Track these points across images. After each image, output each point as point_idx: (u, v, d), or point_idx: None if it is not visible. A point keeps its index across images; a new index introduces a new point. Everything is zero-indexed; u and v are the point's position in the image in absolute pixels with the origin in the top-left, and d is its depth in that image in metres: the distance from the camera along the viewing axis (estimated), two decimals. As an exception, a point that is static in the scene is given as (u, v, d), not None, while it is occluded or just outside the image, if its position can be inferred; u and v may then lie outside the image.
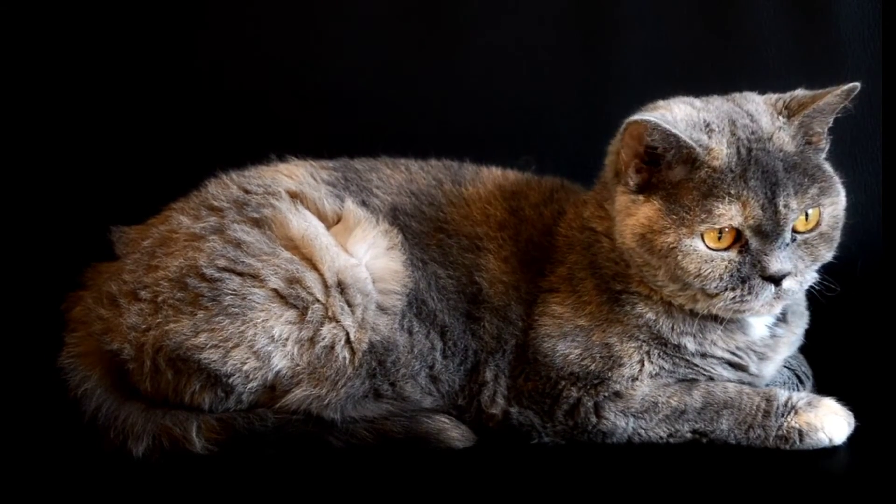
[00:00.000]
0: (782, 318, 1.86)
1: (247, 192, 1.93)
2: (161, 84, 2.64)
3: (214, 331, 1.78)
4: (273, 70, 2.65)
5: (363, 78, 2.64)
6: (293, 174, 1.98)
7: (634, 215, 1.76)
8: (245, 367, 1.79)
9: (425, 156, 2.08)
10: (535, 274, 1.90)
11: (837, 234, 1.77)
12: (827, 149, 1.80)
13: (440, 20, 2.64)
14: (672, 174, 1.73)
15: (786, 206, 1.69)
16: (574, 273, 1.87)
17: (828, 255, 1.76)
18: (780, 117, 1.76)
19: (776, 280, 1.71)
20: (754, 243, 1.70)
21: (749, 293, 1.72)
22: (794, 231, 1.72)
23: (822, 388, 1.95)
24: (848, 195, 1.79)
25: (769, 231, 1.69)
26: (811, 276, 1.76)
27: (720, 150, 1.71)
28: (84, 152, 2.63)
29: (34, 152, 2.63)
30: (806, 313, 1.94)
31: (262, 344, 1.78)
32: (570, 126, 1.93)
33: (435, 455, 1.82)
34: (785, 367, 1.95)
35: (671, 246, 1.72)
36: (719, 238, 1.71)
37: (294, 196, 1.92)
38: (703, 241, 1.72)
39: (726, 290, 1.73)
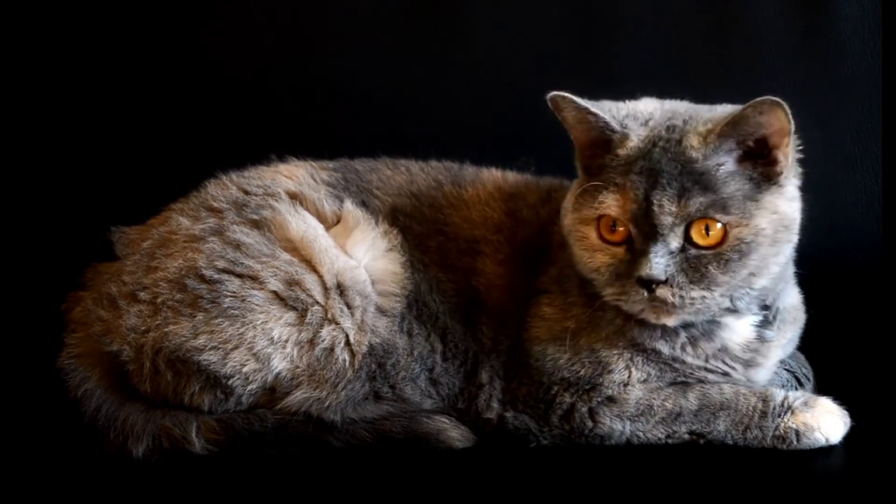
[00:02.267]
0: (769, 321, 1.83)
1: (246, 193, 1.93)
2: (161, 84, 2.64)
3: (214, 332, 1.79)
4: (273, 70, 2.65)
5: (363, 78, 2.64)
6: (293, 175, 1.98)
7: (566, 200, 1.81)
8: (245, 369, 1.79)
9: (425, 156, 2.08)
10: (530, 274, 1.90)
11: (745, 261, 1.68)
12: (788, 172, 1.72)
13: (440, 20, 2.63)
14: (598, 162, 1.76)
15: (660, 205, 1.66)
16: (563, 272, 1.87)
17: (722, 278, 1.68)
18: (706, 127, 1.71)
19: (647, 285, 1.68)
20: (638, 242, 1.70)
21: (623, 293, 1.71)
22: (692, 243, 1.68)
23: (819, 388, 1.95)
24: (848, 195, 1.78)
25: (647, 230, 1.68)
26: (698, 295, 1.68)
27: (631, 140, 1.72)
28: (84, 152, 2.63)
29: (34, 152, 2.63)
30: (801, 318, 1.94)
31: (262, 346, 1.79)
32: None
33: (435, 455, 1.82)
34: (785, 368, 1.95)
35: (569, 228, 1.78)
36: (612, 230, 1.72)
37: (294, 197, 1.92)
38: (599, 231, 1.73)
39: (606, 285, 1.73)
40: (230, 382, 1.80)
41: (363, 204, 1.95)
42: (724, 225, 1.67)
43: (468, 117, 2.61)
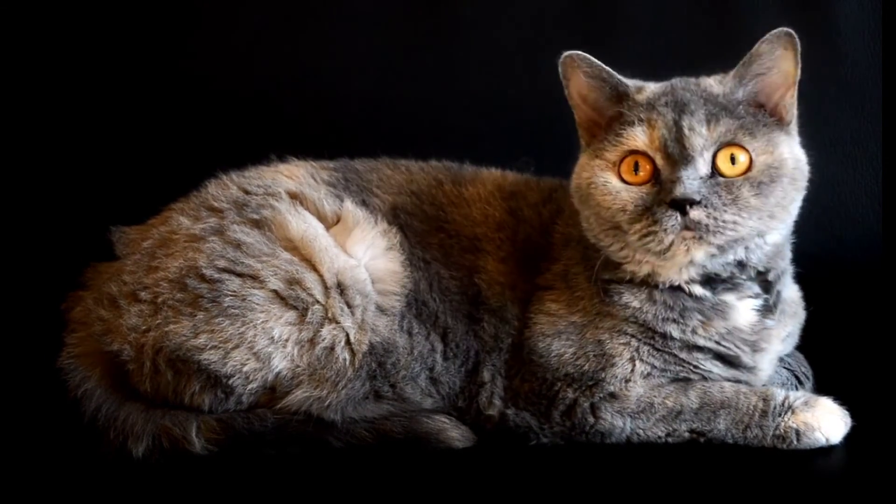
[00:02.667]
0: (769, 308, 1.84)
1: (247, 192, 1.93)
2: (161, 84, 2.64)
3: (214, 332, 1.79)
4: (273, 70, 2.66)
5: (363, 78, 2.64)
6: (293, 175, 1.99)
7: (575, 170, 1.84)
8: (245, 369, 1.79)
9: (425, 157, 2.08)
10: (532, 273, 1.91)
11: (774, 188, 1.72)
12: (792, 122, 1.80)
13: (440, 20, 2.64)
14: (607, 118, 1.80)
15: (691, 128, 1.70)
16: (569, 269, 1.88)
17: (754, 201, 1.71)
18: (721, 75, 1.80)
19: (681, 206, 1.68)
20: (665, 172, 1.72)
21: (654, 223, 1.70)
22: (720, 173, 1.71)
23: (819, 387, 1.95)
24: (848, 195, 1.78)
25: (676, 155, 1.70)
26: (730, 219, 1.70)
27: (647, 88, 1.80)
28: (84, 152, 2.64)
29: (34, 152, 2.64)
30: (801, 313, 1.95)
31: (263, 345, 1.79)
32: (570, 127, 1.93)
33: (435, 455, 1.82)
34: (784, 367, 1.95)
35: (588, 181, 1.78)
36: (636, 172, 1.74)
37: (294, 197, 1.92)
38: (620, 175, 1.75)
39: (633, 221, 1.73)
40: (230, 382, 1.80)
41: (363, 203, 1.96)
42: (751, 153, 1.71)
43: (468, 118, 2.61)
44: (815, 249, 1.93)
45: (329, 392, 1.82)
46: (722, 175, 1.71)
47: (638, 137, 1.74)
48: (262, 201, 1.89)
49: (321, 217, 1.91)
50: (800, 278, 1.95)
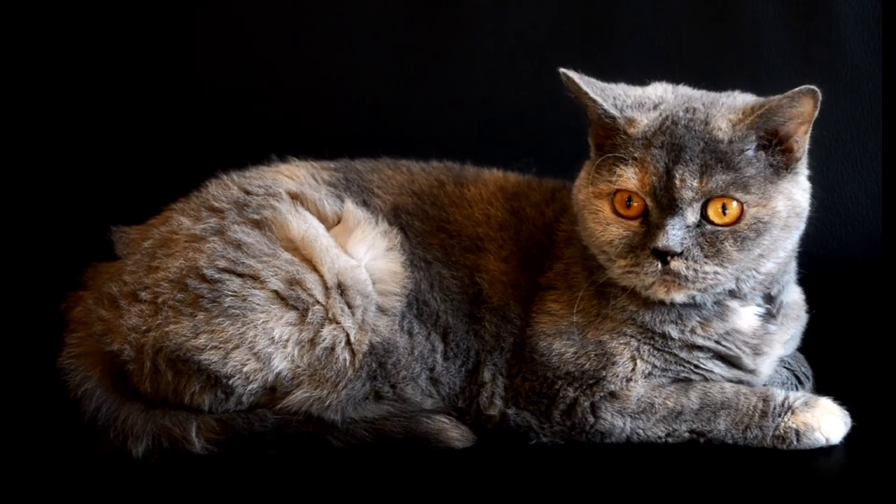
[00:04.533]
0: (771, 315, 1.85)
1: (247, 193, 1.93)
2: (161, 84, 2.64)
3: (215, 332, 1.79)
4: (274, 70, 2.65)
5: (363, 78, 2.64)
6: (294, 175, 1.98)
7: (577, 181, 1.84)
8: (245, 369, 1.79)
9: (426, 157, 2.08)
10: (534, 272, 1.91)
11: (760, 240, 1.72)
12: (802, 160, 1.77)
13: (440, 20, 2.64)
14: (609, 139, 1.78)
15: (682, 180, 1.69)
16: (570, 268, 1.88)
17: (736, 255, 1.71)
18: (740, 113, 1.74)
19: (661, 256, 1.70)
20: (654, 215, 1.72)
21: (636, 265, 1.72)
22: (709, 221, 1.71)
23: (819, 388, 1.95)
24: (848, 195, 1.78)
25: (664, 203, 1.70)
26: (711, 270, 1.71)
27: (640, 121, 1.75)
28: (84, 152, 2.63)
29: (34, 152, 2.63)
30: (803, 316, 1.95)
31: (263, 345, 1.79)
32: (570, 128, 1.93)
33: (435, 455, 1.82)
34: (784, 367, 1.95)
35: (582, 203, 1.80)
36: (627, 206, 1.74)
37: (295, 197, 1.92)
38: (613, 206, 1.75)
39: (618, 257, 1.74)
40: (231, 382, 1.80)
41: (364, 203, 1.95)
42: (742, 204, 1.70)
43: (468, 118, 2.61)
44: (815, 249, 1.93)
45: (329, 392, 1.82)
46: (710, 223, 1.71)
47: (629, 179, 1.73)
48: (263, 201, 1.89)
49: (322, 217, 1.91)
50: (800, 279, 1.95)
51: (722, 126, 1.73)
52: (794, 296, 1.92)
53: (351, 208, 1.92)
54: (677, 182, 1.69)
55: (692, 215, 1.70)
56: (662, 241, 1.69)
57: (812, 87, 1.69)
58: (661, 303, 1.79)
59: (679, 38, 2.57)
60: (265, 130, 2.59)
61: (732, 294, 1.80)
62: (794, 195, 1.76)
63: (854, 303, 2.36)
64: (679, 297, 1.76)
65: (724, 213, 1.70)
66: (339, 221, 1.91)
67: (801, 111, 1.72)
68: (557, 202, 1.97)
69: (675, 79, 1.90)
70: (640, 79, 1.90)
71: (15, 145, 2.63)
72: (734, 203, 1.70)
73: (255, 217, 1.87)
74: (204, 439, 1.80)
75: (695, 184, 1.69)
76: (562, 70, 1.78)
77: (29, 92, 2.63)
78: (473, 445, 1.85)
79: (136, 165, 2.62)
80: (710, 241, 1.70)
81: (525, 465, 1.80)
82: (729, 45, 2.57)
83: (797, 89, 1.69)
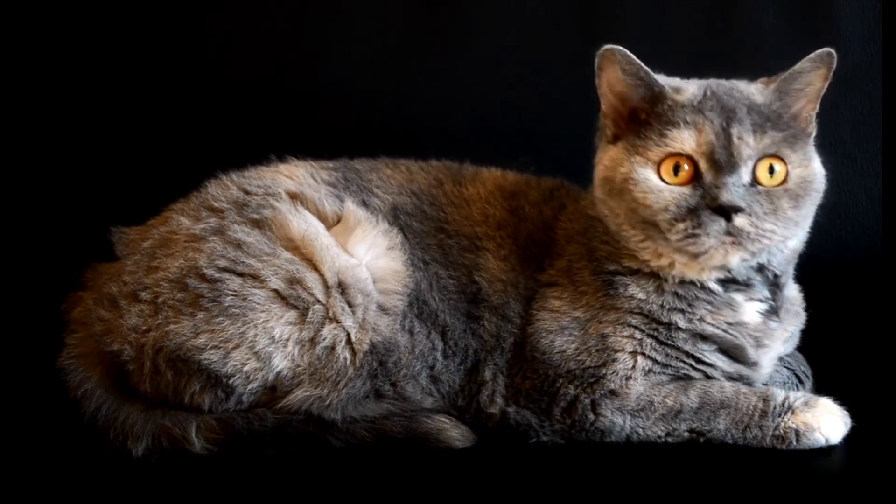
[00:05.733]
0: (774, 311, 1.85)
1: (247, 192, 1.93)
2: (161, 84, 2.64)
3: (215, 332, 1.79)
4: (273, 70, 2.66)
5: (363, 78, 2.64)
6: (293, 175, 1.98)
7: (602, 161, 1.83)
8: (246, 368, 1.79)
9: (425, 156, 2.08)
10: (534, 270, 1.91)
11: (807, 200, 1.77)
12: (813, 134, 1.83)
13: (440, 20, 2.64)
14: (641, 114, 1.79)
15: (739, 137, 1.72)
16: (572, 264, 1.88)
17: (791, 212, 1.75)
18: (762, 82, 1.82)
19: (726, 213, 1.70)
20: (709, 177, 1.73)
21: (698, 226, 1.72)
22: (758, 183, 1.73)
23: (819, 388, 1.95)
24: (848, 195, 1.79)
25: (723, 162, 1.71)
26: (769, 227, 1.73)
27: (686, 89, 1.79)
28: (84, 152, 2.63)
29: (34, 152, 2.63)
30: (802, 314, 1.95)
31: (263, 345, 1.79)
32: (570, 126, 1.93)
33: (435, 455, 1.82)
34: (784, 366, 1.96)
35: (625, 176, 1.77)
36: (675, 173, 1.74)
37: (294, 197, 1.92)
38: (660, 174, 1.75)
39: (676, 221, 1.73)
40: (231, 381, 1.80)
41: (363, 203, 1.95)
42: (787, 165, 1.74)
43: (468, 117, 2.61)
44: (815, 249, 1.93)
45: (330, 391, 1.82)
46: (760, 184, 1.73)
47: (685, 141, 1.74)
48: (263, 201, 1.89)
49: (321, 217, 1.91)
50: (800, 278, 1.95)
51: (754, 91, 1.79)
52: (793, 291, 1.94)
53: (351, 208, 1.92)
54: (735, 140, 1.71)
55: (746, 174, 1.72)
56: (726, 196, 1.70)
57: (830, 49, 1.77)
58: (674, 290, 1.80)
59: (679, 38, 2.57)
60: (265, 130, 2.59)
61: (761, 269, 1.82)
62: (818, 164, 1.81)
63: (854, 303, 2.36)
64: (735, 259, 1.77)
65: (772, 175, 1.74)
66: (338, 221, 1.92)
67: (819, 77, 1.78)
68: (556, 200, 1.98)
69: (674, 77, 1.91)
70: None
71: (15, 145, 2.63)
72: (780, 164, 1.74)
73: (255, 217, 1.87)
74: (204, 439, 1.80)
75: (751, 140, 1.72)
76: (609, 47, 1.78)
77: (29, 92, 2.63)
78: (473, 445, 1.85)
79: (136, 165, 2.62)
80: (767, 198, 1.73)
81: (525, 464, 1.80)
82: (729, 45, 2.57)
83: (817, 52, 1.77)
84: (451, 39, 2.63)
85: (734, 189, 1.70)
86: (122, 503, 1.73)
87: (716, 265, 1.79)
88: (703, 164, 1.73)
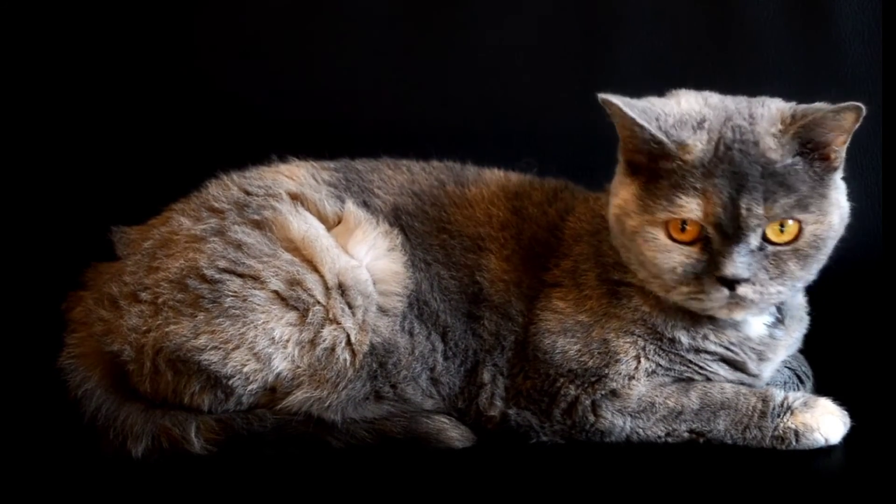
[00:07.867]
0: (780, 321, 1.86)
1: (247, 193, 1.93)
2: (161, 84, 2.64)
3: (215, 332, 1.79)
4: (273, 70, 2.65)
5: (364, 78, 2.64)
6: (294, 175, 1.98)
7: (617, 195, 1.78)
8: (245, 369, 1.79)
9: (426, 157, 2.08)
10: (538, 270, 1.90)
11: (819, 255, 1.72)
12: (840, 167, 1.74)
13: (440, 20, 2.63)
14: (654, 161, 1.73)
15: (748, 209, 1.66)
16: (578, 265, 1.87)
17: (799, 273, 1.71)
18: (780, 125, 1.71)
19: (729, 284, 1.69)
20: (716, 242, 1.69)
21: (701, 292, 1.71)
22: (768, 241, 1.69)
23: (819, 388, 1.95)
24: (848, 195, 1.77)
25: (729, 231, 1.68)
26: (775, 290, 1.70)
27: (694, 146, 1.70)
28: (84, 152, 2.63)
29: (34, 152, 2.63)
30: (805, 318, 1.94)
31: (263, 346, 1.79)
32: (571, 128, 1.93)
33: (435, 455, 1.82)
34: (786, 367, 1.95)
35: (634, 230, 1.74)
36: (682, 230, 1.71)
37: (295, 197, 1.92)
38: (668, 231, 1.72)
39: (680, 283, 1.72)
40: (231, 382, 1.80)
41: (364, 204, 1.95)
42: (800, 222, 1.69)
43: (469, 118, 2.61)
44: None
45: (329, 393, 1.82)
46: (770, 242, 1.69)
47: (692, 210, 1.68)
48: (263, 202, 1.89)
49: (322, 218, 1.91)
50: (799, 279, 1.95)
51: (772, 145, 1.69)
52: (799, 297, 1.92)
53: (352, 209, 1.92)
54: (743, 212, 1.66)
55: (755, 240, 1.68)
56: (731, 270, 1.67)
57: (858, 104, 1.66)
58: (679, 308, 1.79)
59: (679, 38, 2.57)
60: (265, 130, 2.59)
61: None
62: (841, 202, 1.74)
63: (854, 303, 2.35)
64: (740, 315, 1.76)
65: (783, 232, 1.68)
66: (339, 222, 1.91)
67: (841, 125, 1.68)
68: (560, 202, 1.96)
69: (675, 79, 1.90)
70: (641, 78, 1.89)
71: (15, 145, 2.62)
72: (791, 221, 1.68)
73: (256, 217, 1.86)
74: (203, 439, 1.80)
75: (760, 211, 1.66)
76: (602, 96, 1.71)
77: (29, 92, 2.62)
78: (473, 445, 1.85)
79: (136, 165, 2.62)
80: (773, 262, 1.69)
81: (525, 465, 1.80)
82: (729, 45, 2.57)
83: (842, 105, 1.66)
84: (453, 39, 2.63)
85: (739, 260, 1.67)
86: (121, 503, 1.73)
87: (725, 318, 1.78)
88: (710, 231, 1.69)
